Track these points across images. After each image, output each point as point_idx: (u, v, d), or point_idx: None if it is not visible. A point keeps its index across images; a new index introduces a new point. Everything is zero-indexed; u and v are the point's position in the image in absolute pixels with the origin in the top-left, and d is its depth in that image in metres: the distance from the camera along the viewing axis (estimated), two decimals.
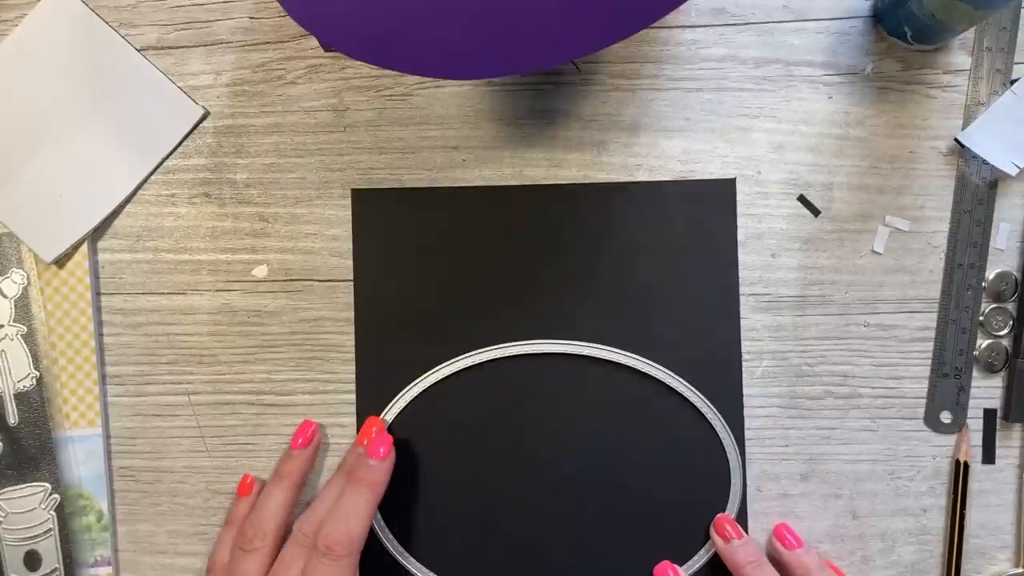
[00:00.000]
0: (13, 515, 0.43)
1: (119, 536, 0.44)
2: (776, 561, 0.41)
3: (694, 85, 0.43)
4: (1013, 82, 0.42)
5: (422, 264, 0.43)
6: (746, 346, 0.43)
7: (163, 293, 0.44)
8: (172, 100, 0.44)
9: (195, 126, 0.44)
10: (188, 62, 0.44)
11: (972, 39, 0.42)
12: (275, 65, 0.44)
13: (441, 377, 0.43)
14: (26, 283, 0.44)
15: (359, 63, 0.43)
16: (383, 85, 0.44)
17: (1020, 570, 0.42)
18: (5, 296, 0.44)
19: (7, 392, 0.43)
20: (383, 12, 0.33)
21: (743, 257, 0.43)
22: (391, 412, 0.43)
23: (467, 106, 0.43)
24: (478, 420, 0.43)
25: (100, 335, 0.44)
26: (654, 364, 0.42)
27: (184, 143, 0.44)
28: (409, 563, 0.42)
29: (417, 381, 0.43)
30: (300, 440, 0.42)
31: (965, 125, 0.42)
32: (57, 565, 0.43)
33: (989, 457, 0.42)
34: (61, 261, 0.44)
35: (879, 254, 0.43)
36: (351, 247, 0.43)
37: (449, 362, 0.43)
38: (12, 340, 0.43)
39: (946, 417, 0.42)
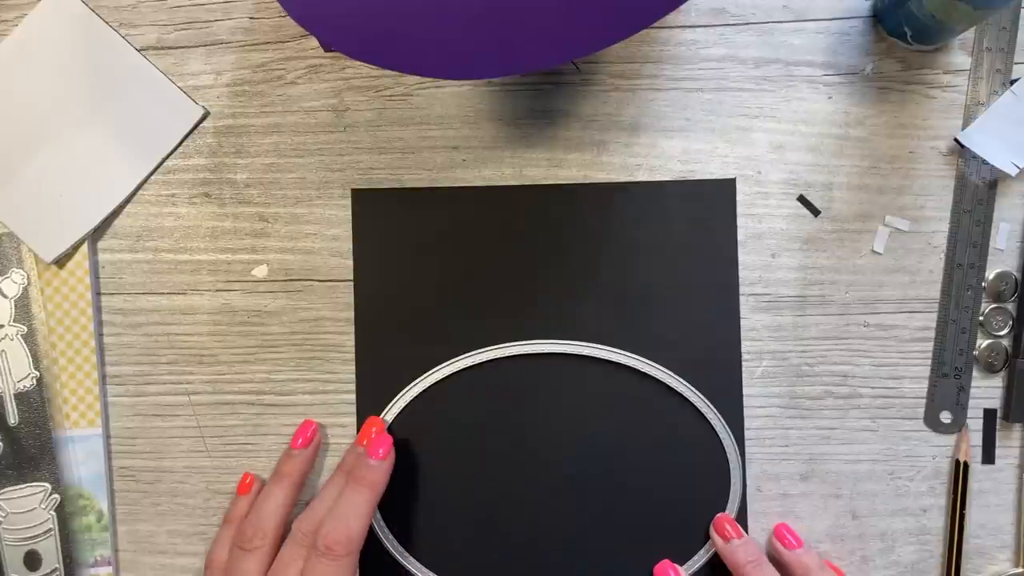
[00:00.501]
0: (13, 515, 0.43)
1: (119, 536, 0.44)
2: (776, 561, 0.41)
3: (694, 85, 0.43)
4: (1013, 82, 0.42)
5: (422, 264, 0.43)
6: (746, 346, 0.43)
7: (163, 293, 0.44)
8: (172, 100, 0.44)
9: (195, 126, 0.44)
10: (188, 62, 0.44)
11: (972, 39, 0.42)
12: (275, 65, 0.44)
13: (441, 377, 0.43)
14: (26, 283, 0.44)
15: (359, 63, 0.43)
16: (383, 85, 0.44)
17: (1020, 570, 0.42)
18: (5, 296, 0.44)
19: (7, 392, 0.43)
20: (383, 12, 0.33)
21: (743, 257, 0.43)
22: (391, 412, 0.43)
23: (467, 106, 0.43)
24: (478, 420, 0.43)
25: (100, 335, 0.44)
26: (654, 364, 0.42)
27: (184, 143, 0.44)
28: (409, 563, 0.42)
29: (417, 381, 0.43)
30: (300, 440, 0.42)
31: (965, 125, 0.42)
32: (57, 565, 0.43)
33: (989, 457, 0.42)
34: (61, 261, 0.44)
35: (879, 254, 0.43)
36: (351, 247, 0.43)
37: (449, 362, 0.43)
38: (12, 340, 0.43)
39: (946, 417, 0.42)
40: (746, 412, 0.42)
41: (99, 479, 0.44)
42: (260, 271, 0.44)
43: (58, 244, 0.43)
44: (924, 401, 0.42)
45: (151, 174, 0.44)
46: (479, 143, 0.43)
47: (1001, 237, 0.42)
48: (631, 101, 0.43)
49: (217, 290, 0.44)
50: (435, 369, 0.43)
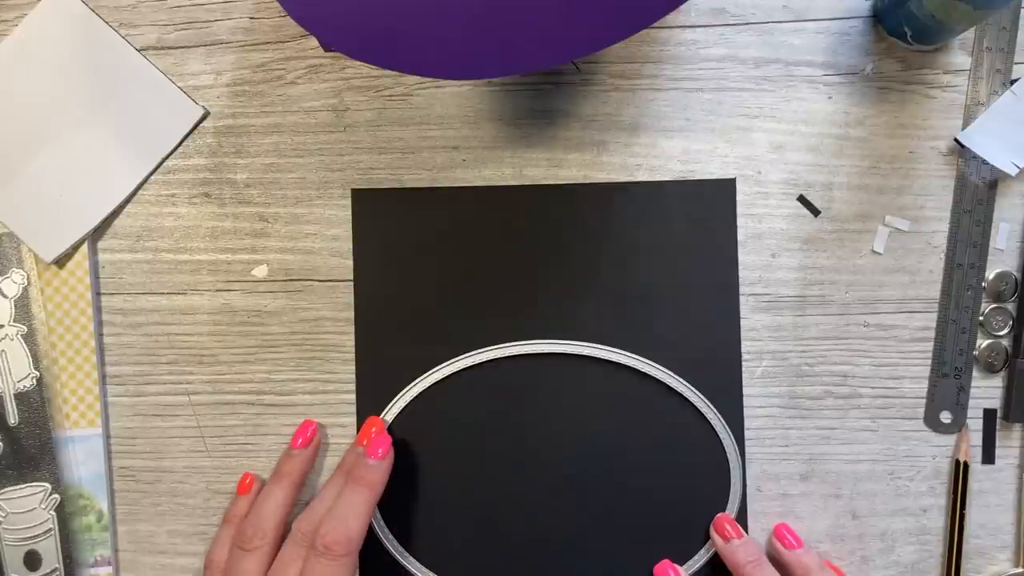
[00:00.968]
0: (13, 515, 0.43)
1: (119, 536, 0.44)
2: (776, 561, 0.41)
3: (694, 85, 0.43)
4: (1013, 82, 0.42)
5: (422, 264, 0.43)
6: (746, 346, 0.43)
7: (163, 293, 0.44)
8: (172, 100, 0.44)
9: (195, 126, 0.44)
10: (188, 62, 0.44)
11: (972, 39, 0.42)
12: (275, 65, 0.44)
13: (441, 377, 0.43)
14: (26, 283, 0.44)
15: (359, 63, 0.43)
16: (383, 85, 0.44)
17: (1020, 570, 0.42)
18: (5, 296, 0.44)
19: (7, 392, 0.43)
20: (383, 12, 0.33)
21: (743, 257, 0.43)
22: (391, 412, 0.43)
23: (467, 106, 0.43)
24: (478, 420, 0.43)
25: (100, 335, 0.44)
26: (654, 364, 0.42)
27: (184, 143, 0.44)
28: (409, 563, 0.42)
29: (417, 381, 0.43)
30: (300, 440, 0.42)
31: (965, 125, 0.42)
32: (57, 565, 0.43)
33: (989, 457, 0.42)
34: (61, 261, 0.44)
35: (879, 254, 0.43)
36: (351, 247, 0.43)
37: (449, 362, 0.43)
38: (12, 340, 0.43)
39: (946, 417, 0.42)
40: (746, 412, 0.42)
41: (99, 479, 0.44)
42: (260, 271, 0.44)
43: (58, 244, 0.43)
44: (924, 401, 0.42)
45: (151, 174, 0.44)
46: (479, 143, 0.43)
47: (1001, 237, 0.42)
48: (631, 101, 0.43)
49: (217, 290, 0.44)
50: (435, 369, 0.43)
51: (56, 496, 0.43)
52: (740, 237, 0.43)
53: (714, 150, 0.43)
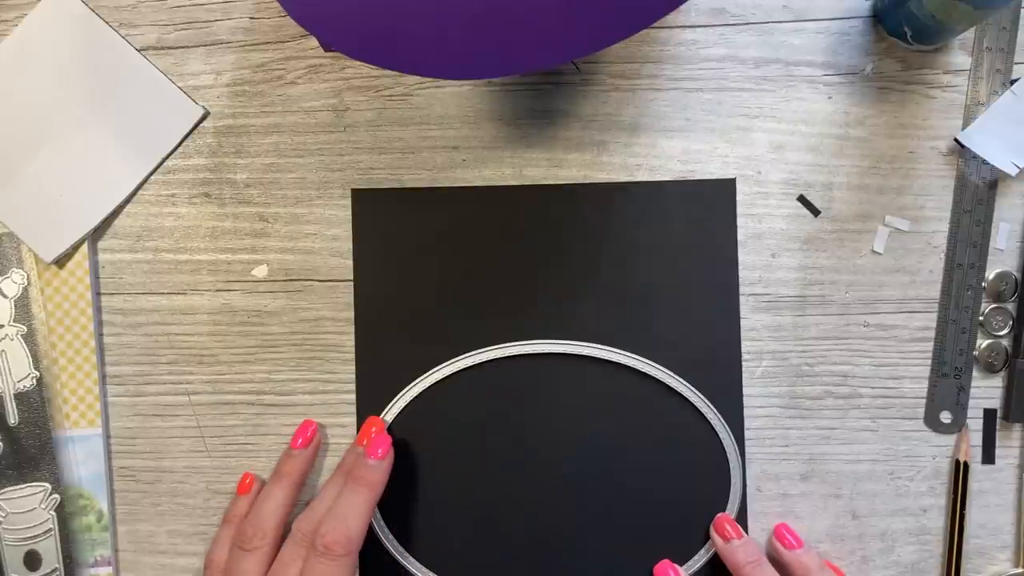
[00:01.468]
0: (13, 515, 0.43)
1: (119, 536, 0.44)
2: (776, 561, 0.41)
3: (694, 85, 0.43)
4: (1013, 82, 0.42)
5: (422, 264, 0.43)
6: (746, 346, 0.43)
7: (163, 293, 0.44)
8: (172, 100, 0.44)
9: (195, 126, 0.44)
10: (188, 62, 0.44)
11: (972, 39, 0.42)
12: (275, 65, 0.44)
13: (441, 377, 0.43)
14: (26, 283, 0.44)
15: (359, 63, 0.43)
16: (383, 85, 0.44)
17: (1020, 570, 0.42)
18: (5, 296, 0.44)
19: (7, 392, 0.43)
20: (383, 12, 0.33)
21: (743, 257, 0.43)
22: (391, 412, 0.43)
23: (467, 106, 0.43)
24: (478, 420, 0.43)
25: (100, 335, 0.44)
26: (654, 364, 0.42)
27: (184, 143, 0.44)
28: (409, 563, 0.42)
29: (417, 381, 0.43)
30: (300, 440, 0.42)
31: (965, 125, 0.42)
32: (57, 565, 0.43)
33: (989, 457, 0.42)
34: (61, 261, 0.44)
35: (879, 254, 0.43)
36: (351, 247, 0.43)
37: (449, 362, 0.43)
38: (12, 340, 0.43)
39: (946, 417, 0.42)
40: (746, 412, 0.42)
41: (99, 479, 0.44)
42: (260, 271, 0.44)
43: (58, 244, 0.43)
44: (924, 401, 0.42)
45: (151, 174, 0.44)
46: (479, 143, 0.43)
47: (1001, 237, 0.42)
48: (631, 101, 0.43)
49: (217, 290, 0.44)
50: (435, 369, 0.43)
51: (56, 496, 0.43)
52: (740, 237, 0.43)
53: (714, 150, 0.43)
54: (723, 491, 0.42)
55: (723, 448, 0.42)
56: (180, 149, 0.44)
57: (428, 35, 0.33)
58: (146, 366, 0.44)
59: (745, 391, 0.42)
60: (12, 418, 0.43)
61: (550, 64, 0.32)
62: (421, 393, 0.43)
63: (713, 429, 0.42)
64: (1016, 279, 0.42)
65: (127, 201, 0.44)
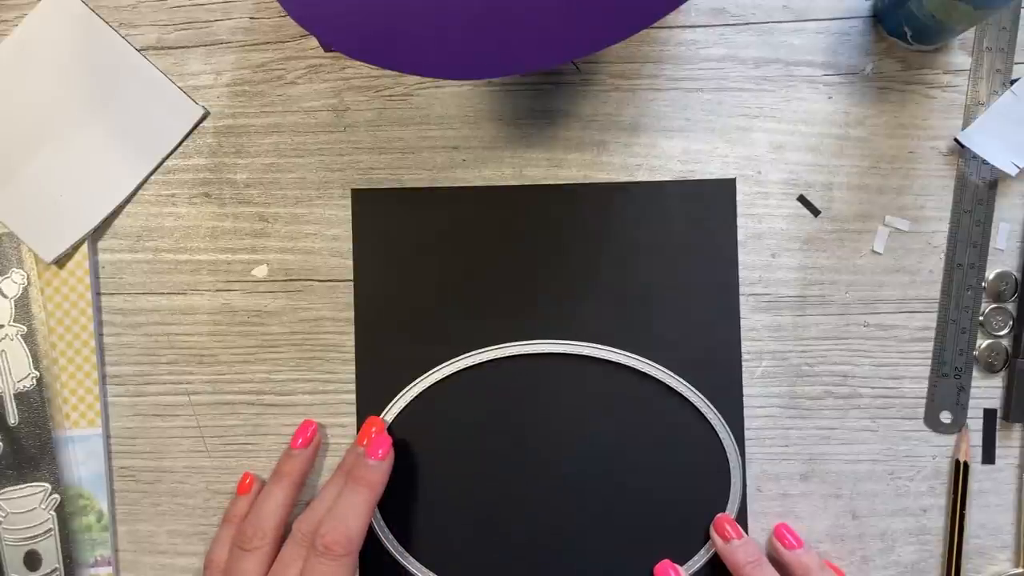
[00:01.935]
0: (13, 515, 0.43)
1: (119, 536, 0.44)
2: (776, 561, 0.41)
3: (694, 85, 0.43)
4: (1013, 82, 0.42)
5: (422, 264, 0.43)
6: (746, 346, 0.43)
7: (163, 293, 0.44)
8: (172, 100, 0.44)
9: (195, 126, 0.44)
10: (188, 62, 0.44)
11: (972, 39, 0.42)
12: (275, 65, 0.44)
13: (441, 377, 0.43)
14: (26, 283, 0.44)
15: (359, 63, 0.43)
16: (383, 85, 0.44)
17: (1020, 570, 0.42)
18: (5, 296, 0.44)
19: (7, 392, 0.43)
20: (383, 12, 0.33)
21: (743, 257, 0.43)
22: (391, 412, 0.43)
23: (467, 106, 0.43)
24: (478, 420, 0.43)
25: (100, 335, 0.44)
26: (654, 364, 0.42)
27: (184, 143, 0.44)
28: (409, 563, 0.42)
29: (417, 381, 0.43)
30: (300, 440, 0.42)
31: (965, 125, 0.42)
32: (57, 565, 0.43)
33: (989, 457, 0.42)
34: (61, 261, 0.44)
35: (879, 254, 0.43)
36: (351, 247, 0.43)
37: (449, 362, 0.43)
38: (12, 340, 0.43)
39: (946, 417, 0.42)
40: (746, 412, 0.42)
41: (99, 479, 0.44)
42: (260, 271, 0.44)
43: (58, 244, 0.43)
44: (924, 401, 0.42)
45: (151, 174, 0.44)
46: (479, 143, 0.43)
47: (1001, 237, 0.42)
48: (631, 101, 0.43)
49: (217, 290, 0.44)
50: (435, 369, 0.43)
51: (56, 496, 0.43)
52: (740, 237, 0.43)
53: (714, 150, 0.43)
54: (723, 491, 0.42)
55: (723, 448, 0.42)
56: (180, 149, 0.44)
57: (428, 35, 0.33)
58: (146, 366, 0.44)
59: (745, 391, 0.42)
60: (12, 418, 0.43)
61: (550, 64, 0.32)
62: (421, 393, 0.43)
63: (713, 429, 0.42)
64: (1016, 279, 0.42)
65: (127, 201, 0.44)
